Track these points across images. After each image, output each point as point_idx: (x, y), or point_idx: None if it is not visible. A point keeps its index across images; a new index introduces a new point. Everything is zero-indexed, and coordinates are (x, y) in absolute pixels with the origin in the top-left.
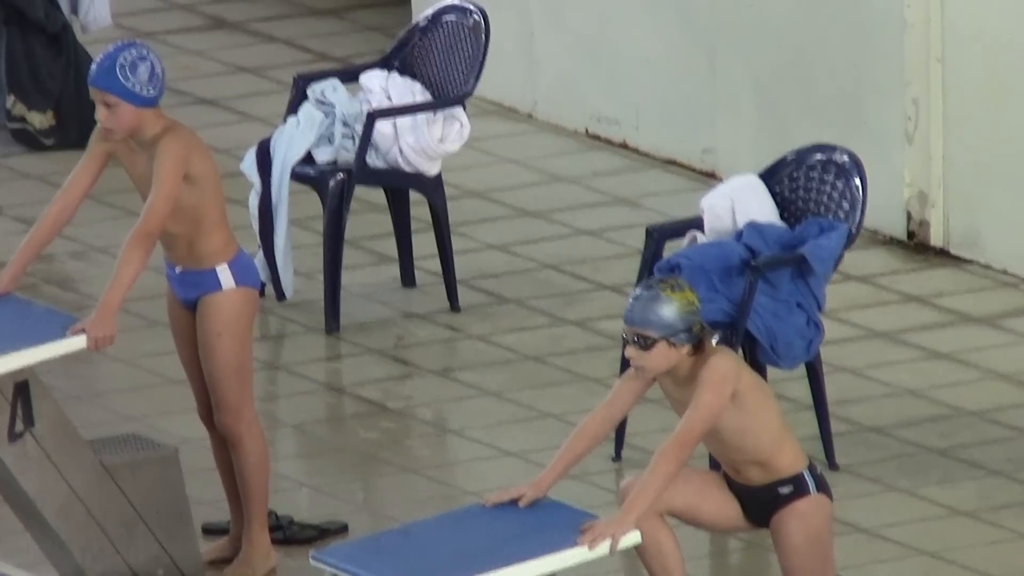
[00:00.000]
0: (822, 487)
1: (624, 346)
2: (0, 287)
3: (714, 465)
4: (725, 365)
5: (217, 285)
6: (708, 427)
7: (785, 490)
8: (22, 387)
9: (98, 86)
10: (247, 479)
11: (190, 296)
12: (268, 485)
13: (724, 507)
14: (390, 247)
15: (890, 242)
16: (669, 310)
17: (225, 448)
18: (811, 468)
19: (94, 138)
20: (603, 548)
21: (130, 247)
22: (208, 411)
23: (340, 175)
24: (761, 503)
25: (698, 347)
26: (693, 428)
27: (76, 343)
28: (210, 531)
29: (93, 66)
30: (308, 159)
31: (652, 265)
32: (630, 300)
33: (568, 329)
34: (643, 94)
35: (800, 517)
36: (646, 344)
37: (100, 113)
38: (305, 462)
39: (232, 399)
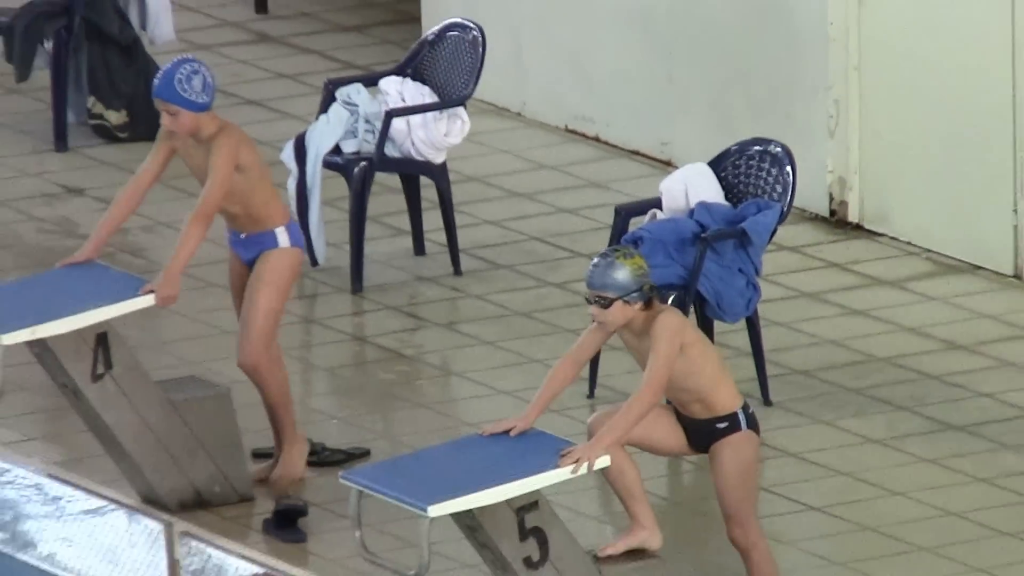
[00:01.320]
0: (752, 424)
1: (588, 305)
2: (84, 255)
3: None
4: (674, 321)
5: (275, 243)
6: (669, 373)
7: (721, 425)
8: (102, 337)
9: (161, 97)
10: (272, 401)
11: (252, 256)
12: (291, 406)
13: (671, 437)
14: (404, 222)
15: (815, 219)
16: (623, 274)
17: (268, 386)
18: (745, 408)
19: (160, 136)
20: (581, 469)
21: (191, 224)
22: None
23: (363, 163)
24: (702, 435)
25: (649, 304)
26: (659, 376)
27: (146, 301)
28: (258, 455)
29: (156, 80)
30: (336, 150)
31: (619, 238)
32: (590, 267)
33: (550, 290)
34: (613, 97)
35: (732, 449)
36: (605, 303)
37: (164, 119)
38: (334, 399)
39: (257, 336)
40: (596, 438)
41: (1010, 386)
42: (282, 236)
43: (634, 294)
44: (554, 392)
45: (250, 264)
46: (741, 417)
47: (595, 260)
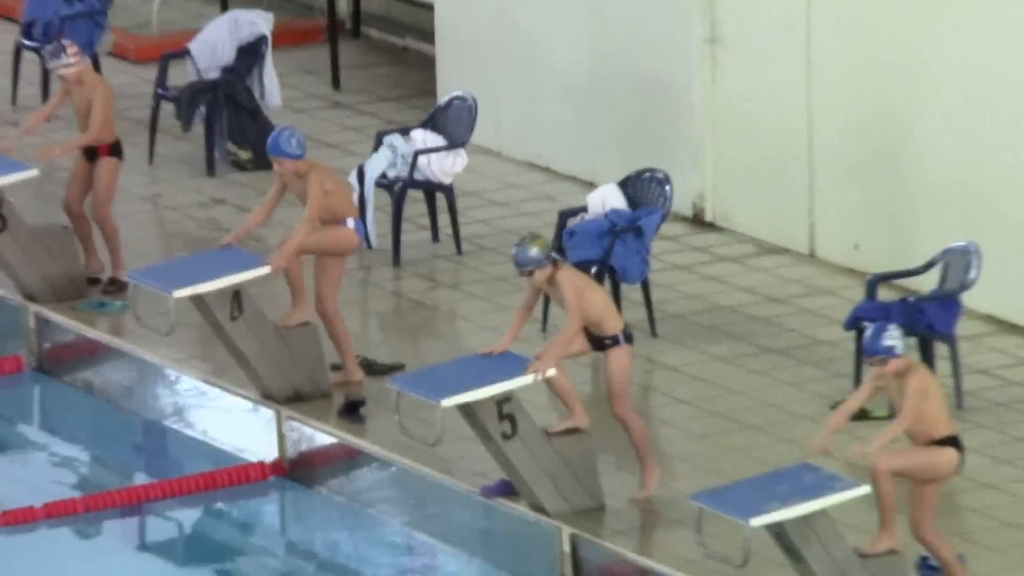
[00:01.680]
0: (629, 340)
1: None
2: (225, 241)
3: None
4: (572, 278)
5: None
6: (580, 310)
7: (608, 341)
8: (237, 293)
9: (272, 154)
10: (335, 336)
11: None
12: (349, 342)
13: (583, 347)
14: (425, 221)
15: (683, 219)
16: (534, 251)
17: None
18: (624, 330)
19: (275, 175)
20: (538, 377)
21: (301, 225)
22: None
23: (400, 184)
24: (599, 346)
25: (555, 264)
26: (576, 316)
27: (264, 270)
28: (334, 367)
29: (268, 141)
30: (383, 176)
31: (561, 231)
32: (514, 251)
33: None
34: (557, 142)
35: (615, 355)
36: (529, 273)
37: (275, 166)
38: (381, 332)
39: (324, 293)
40: (545, 357)
41: (807, 325)
42: (349, 223)
43: (544, 262)
44: (518, 328)
45: None
46: (621, 337)
47: (516, 246)
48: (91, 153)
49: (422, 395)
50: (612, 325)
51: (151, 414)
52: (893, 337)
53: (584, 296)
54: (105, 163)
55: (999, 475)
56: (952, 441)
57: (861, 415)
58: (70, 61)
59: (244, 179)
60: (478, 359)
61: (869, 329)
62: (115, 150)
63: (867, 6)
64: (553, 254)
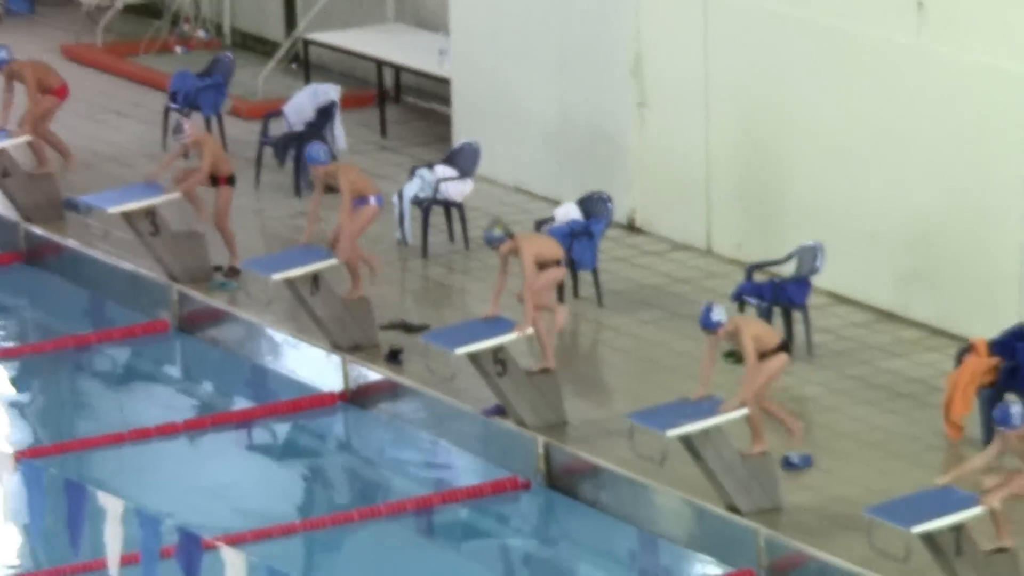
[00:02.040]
0: (564, 263)
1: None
2: (303, 242)
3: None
4: (529, 246)
5: (368, 201)
6: (535, 271)
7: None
8: (315, 275)
9: (309, 162)
10: (352, 270)
11: (360, 205)
12: (358, 269)
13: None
14: (443, 227)
15: (621, 226)
16: (496, 232)
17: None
18: (561, 261)
19: (317, 178)
20: (522, 335)
21: (344, 221)
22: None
23: (427, 202)
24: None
25: (512, 238)
26: (536, 281)
27: (331, 261)
28: (382, 327)
29: (305, 153)
30: (415, 196)
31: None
32: (484, 234)
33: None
34: (534, 174)
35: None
36: (496, 247)
37: (311, 170)
38: (414, 304)
39: (348, 242)
40: (526, 318)
41: (705, 298)
42: (372, 199)
43: (504, 238)
44: (500, 290)
45: None
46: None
47: (484, 233)
48: (213, 181)
49: (443, 346)
50: (558, 253)
51: (256, 359)
52: (718, 313)
53: (536, 250)
54: (223, 189)
55: (836, 401)
56: (782, 347)
57: (739, 359)
58: (186, 136)
59: (326, 200)
60: (480, 322)
61: (701, 310)
62: (230, 180)
63: (749, 78)
64: (509, 230)
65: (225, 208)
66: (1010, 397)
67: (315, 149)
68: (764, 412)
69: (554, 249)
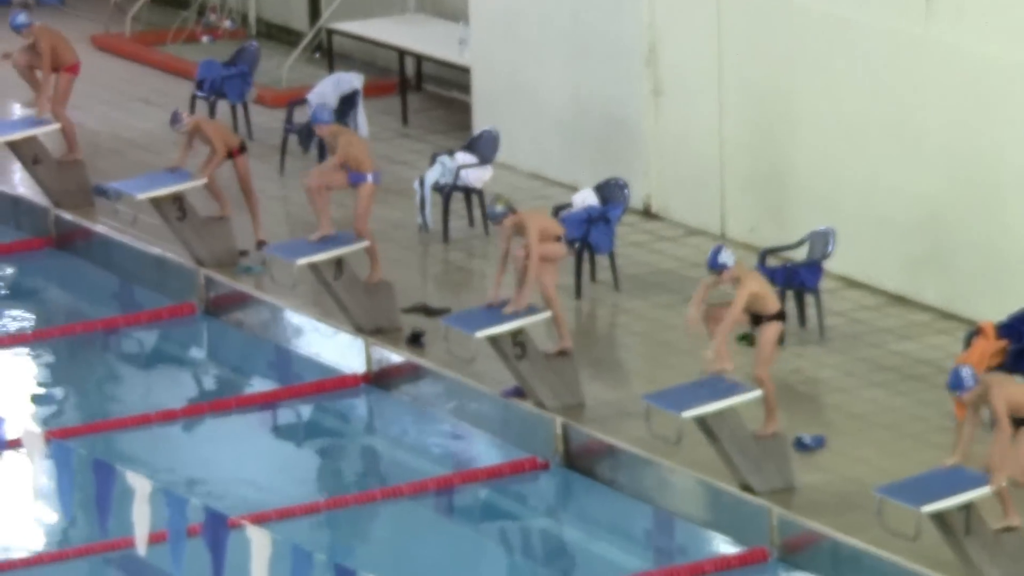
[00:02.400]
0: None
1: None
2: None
3: None
4: (533, 221)
5: (365, 179)
6: (539, 245)
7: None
8: (339, 260)
9: (313, 123)
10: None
11: (355, 181)
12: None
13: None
14: (464, 212)
15: (637, 212)
16: (499, 207)
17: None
18: (561, 238)
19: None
20: (517, 310)
21: (358, 208)
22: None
23: (447, 188)
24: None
25: (515, 212)
26: (535, 247)
27: (361, 245)
28: (404, 311)
29: (311, 115)
30: (436, 183)
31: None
32: (488, 210)
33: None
34: (552, 160)
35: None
36: (501, 223)
37: (316, 129)
38: (435, 287)
39: (362, 219)
40: (519, 297)
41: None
42: (369, 178)
43: (507, 213)
44: (502, 269)
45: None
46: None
47: (488, 209)
48: (228, 156)
49: (463, 329)
50: (559, 230)
51: (281, 341)
52: (726, 256)
53: (540, 225)
54: (240, 161)
55: (848, 383)
56: (779, 315)
57: (755, 342)
58: (183, 125)
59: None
60: (499, 305)
61: (711, 251)
62: (242, 148)
63: (762, 66)
64: (512, 205)
65: (246, 176)
66: (961, 364)
67: (319, 109)
68: (759, 385)
69: (556, 227)
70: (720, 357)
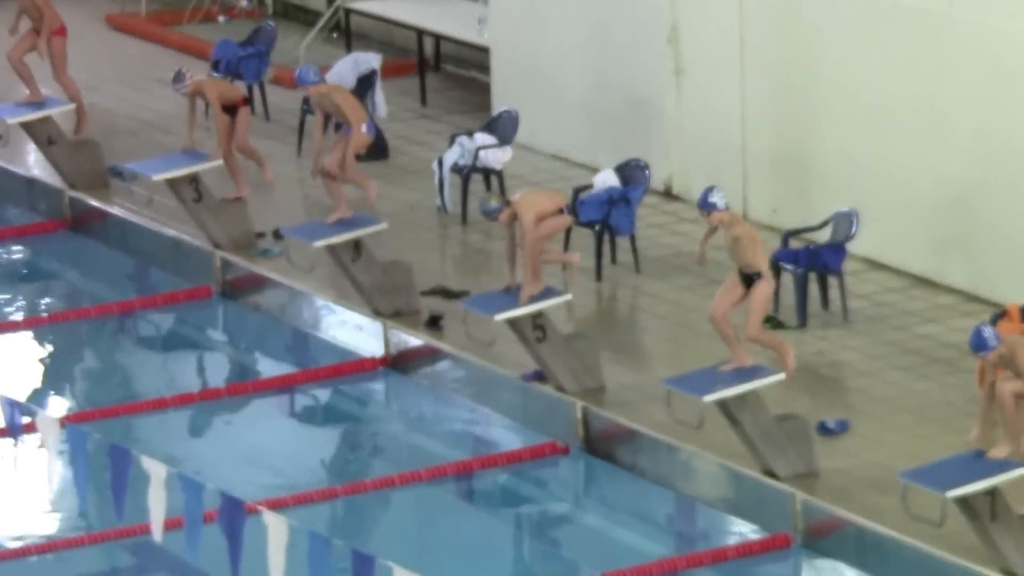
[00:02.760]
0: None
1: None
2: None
3: None
4: (527, 209)
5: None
6: (533, 226)
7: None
8: (356, 242)
9: (299, 85)
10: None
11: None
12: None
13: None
14: (483, 192)
15: (659, 193)
16: (494, 203)
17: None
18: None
19: (314, 107)
20: (531, 292)
21: (350, 142)
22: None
23: (466, 169)
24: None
25: (508, 204)
26: (530, 228)
27: (378, 227)
28: (423, 293)
29: (295, 78)
30: (455, 164)
31: (575, 200)
32: (480, 208)
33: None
34: (573, 141)
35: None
36: (496, 218)
37: (305, 95)
38: (454, 269)
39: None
40: (529, 286)
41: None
42: (363, 127)
43: (501, 207)
44: (512, 259)
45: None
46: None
47: (481, 204)
48: (231, 112)
49: (482, 312)
50: (559, 202)
51: (298, 324)
52: (717, 196)
53: (535, 210)
54: (242, 113)
55: (872, 366)
56: (771, 273)
57: (778, 325)
58: (185, 86)
59: (361, 166)
60: (519, 289)
61: (701, 192)
62: (245, 101)
63: (784, 48)
64: (505, 198)
65: (245, 130)
66: (983, 324)
67: (303, 71)
68: (760, 343)
69: (554, 199)
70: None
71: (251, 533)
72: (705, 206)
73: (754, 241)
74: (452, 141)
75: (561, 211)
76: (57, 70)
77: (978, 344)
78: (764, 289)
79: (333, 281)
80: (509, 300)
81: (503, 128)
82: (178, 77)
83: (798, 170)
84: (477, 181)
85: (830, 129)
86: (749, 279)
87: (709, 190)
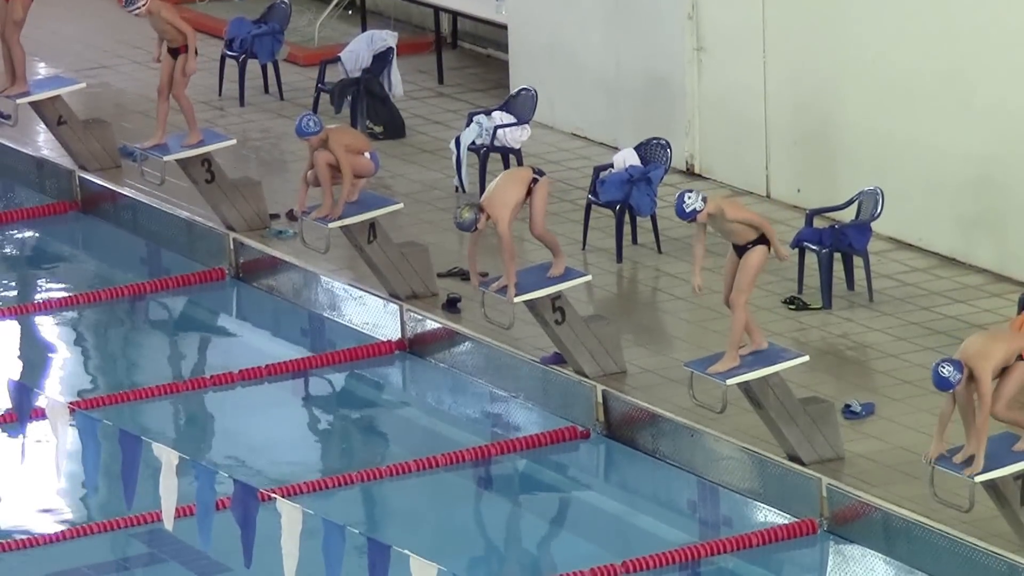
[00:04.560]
0: (541, 174)
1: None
2: (299, 209)
3: None
4: (496, 209)
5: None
6: (508, 223)
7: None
8: (372, 224)
9: (300, 136)
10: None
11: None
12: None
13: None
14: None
15: (680, 172)
16: (467, 215)
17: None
18: (536, 169)
19: (309, 151)
20: (558, 273)
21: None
22: None
23: (484, 148)
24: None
25: (481, 210)
26: (508, 238)
27: (395, 207)
28: (439, 275)
29: (296, 129)
30: (473, 143)
31: (595, 180)
32: (457, 225)
33: (575, 197)
34: (592, 120)
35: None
36: (475, 228)
37: (307, 145)
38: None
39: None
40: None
41: None
42: (367, 155)
43: (478, 218)
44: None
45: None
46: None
47: (456, 221)
48: (174, 53)
49: (500, 294)
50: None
51: (313, 307)
52: (692, 198)
53: (506, 206)
54: (185, 58)
55: (898, 347)
56: (761, 239)
57: (802, 306)
58: (138, 7)
59: (376, 145)
60: (537, 269)
61: (676, 201)
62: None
63: (806, 23)
64: (476, 204)
65: (185, 78)
66: (940, 361)
67: (304, 123)
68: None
69: (520, 181)
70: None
71: (264, 521)
72: (687, 216)
73: (747, 219)
74: (469, 120)
75: (535, 181)
76: (11, 26)
77: (941, 384)
78: (759, 255)
79: (349, 263)
80: (529, 281)
81: (521, 107)
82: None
83: (822, 148)
84: (495, 160)
85: (854, 106)
86: (743, 250)
87: (680, 198)
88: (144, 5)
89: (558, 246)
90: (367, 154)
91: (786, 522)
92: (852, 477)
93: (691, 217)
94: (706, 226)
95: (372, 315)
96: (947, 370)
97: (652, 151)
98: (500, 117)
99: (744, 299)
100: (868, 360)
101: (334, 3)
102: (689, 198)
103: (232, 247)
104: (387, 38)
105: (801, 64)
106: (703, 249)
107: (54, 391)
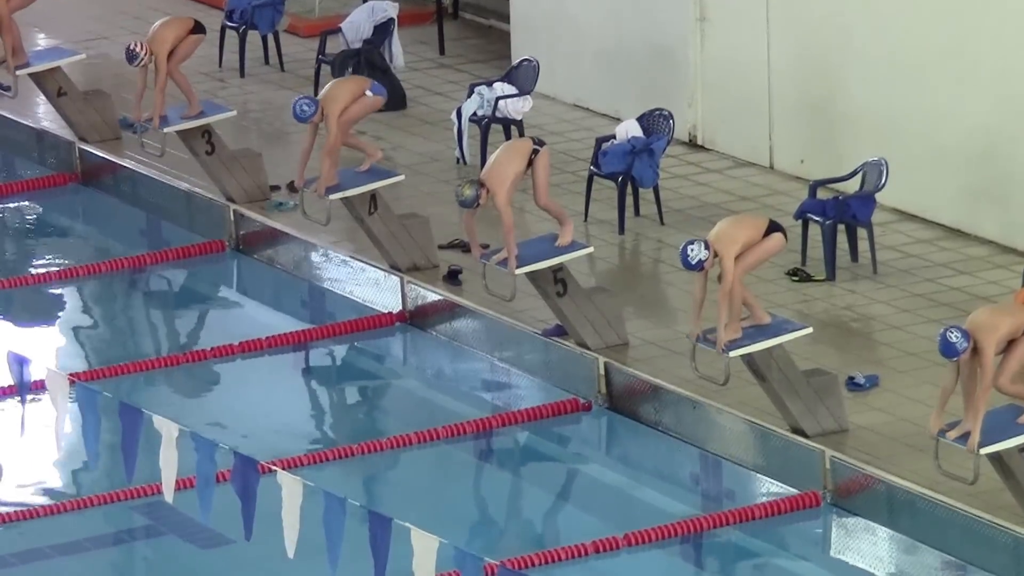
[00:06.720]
0: (541, 145)
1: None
2: (299, 182)
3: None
4: (496, 183)
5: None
6: (508, 202)
7: (536, 148)
8: (373, 195)
9: (299, 121)
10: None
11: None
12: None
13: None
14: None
15: (682, 143)
16: (468, 192)
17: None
18: (536, 140)
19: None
20: (565, 243)
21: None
22: None
23: (486, 120)
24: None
25: (482, 186)
26: (506, 211)
27: (396, 179)
28: (440, 247)
29: (293, 114)
30: (474, 114)
31: (597, 151)
32: (459, 201)
33: (577, 169)
34: (594, 91)
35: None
36: (478, 205)
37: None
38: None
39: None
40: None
41: (767, 212)
42: (368, 92)
43: (479, 193)
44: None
45: None
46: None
47: (458, 199)
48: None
49: (502, 266)
50: (525, 152)
51: (313, 279)
52: (695, 249)
53: (505, 180)
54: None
55: (902, 319)
56: (775, 227)
57: (806, 277)
58: (141, 59)
59: (378, 116)
60: (538, 241)
61: (680, 253)
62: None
63: None
64: (477, 181)
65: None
66: (949, 327)
67: (300, 107)
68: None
69: (520, 155)
70: (732, 328)
71: (265, 493)
72: (693, 267)
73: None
74: (471, 91)
75: (535, 153)
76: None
77: (948, 351)
78: (775, 242)
79: (349, 235)
80: (530, 253)
81: (523, 77)
82: (131, 56)
83: (826, 119)
84: (496, 132)
85: (858, 77)
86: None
87: (684, 251)
88: (145, 56)
89: (565, 215)
90: (368, 92)
91: (789, 495)
92: (856, 449)
93: (699, 268)
94: (707, 272)
95: (372, 287)
96: (955, 335)
97: (655, 122)
98: (501, 88)
99: (742, 272)
100: (872, 332)
101: None
102: (692, 251)
103: (232, 219)
104: (388, 9)
105: (805, 34)
106: (703, 295)
107: (54, 363)
